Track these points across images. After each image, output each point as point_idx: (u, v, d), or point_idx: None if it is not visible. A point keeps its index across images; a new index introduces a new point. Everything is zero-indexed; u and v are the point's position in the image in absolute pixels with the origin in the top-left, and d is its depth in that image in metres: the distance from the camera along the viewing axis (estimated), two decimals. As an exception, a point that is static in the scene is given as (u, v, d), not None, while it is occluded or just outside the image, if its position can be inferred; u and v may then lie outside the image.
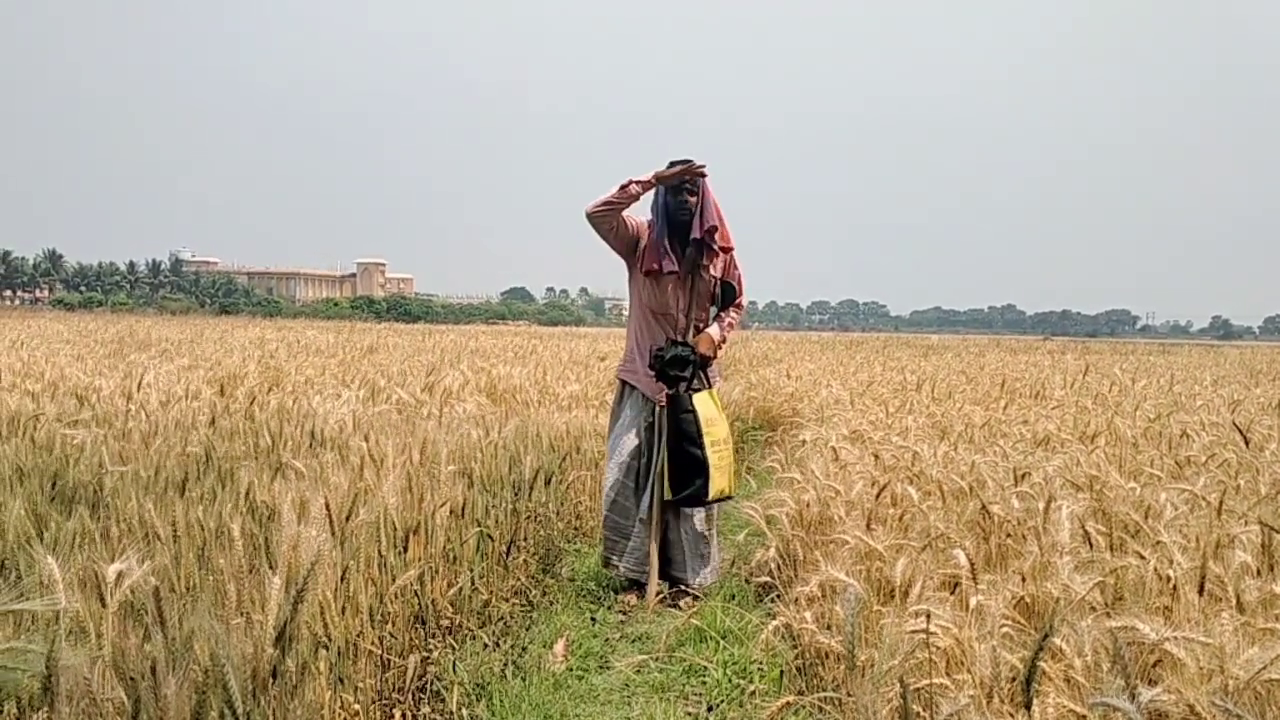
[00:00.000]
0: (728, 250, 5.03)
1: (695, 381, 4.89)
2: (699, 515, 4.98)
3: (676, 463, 4.76)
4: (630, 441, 4.97)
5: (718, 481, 4.79)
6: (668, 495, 4.80)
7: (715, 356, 5.07)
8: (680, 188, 4.85)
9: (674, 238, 4.92)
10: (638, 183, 4.75)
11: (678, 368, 4.81)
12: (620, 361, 5.21)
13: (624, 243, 4.93)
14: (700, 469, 4.74)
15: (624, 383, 5.14)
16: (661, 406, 4.88)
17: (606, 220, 4.80)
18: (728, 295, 5.14)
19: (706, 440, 4.75)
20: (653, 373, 4.87)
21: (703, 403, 4.82)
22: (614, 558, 5.00)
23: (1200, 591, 2.73)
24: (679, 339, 4.94)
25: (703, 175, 4.82)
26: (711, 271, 5.01)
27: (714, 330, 5.07)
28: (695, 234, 4.88)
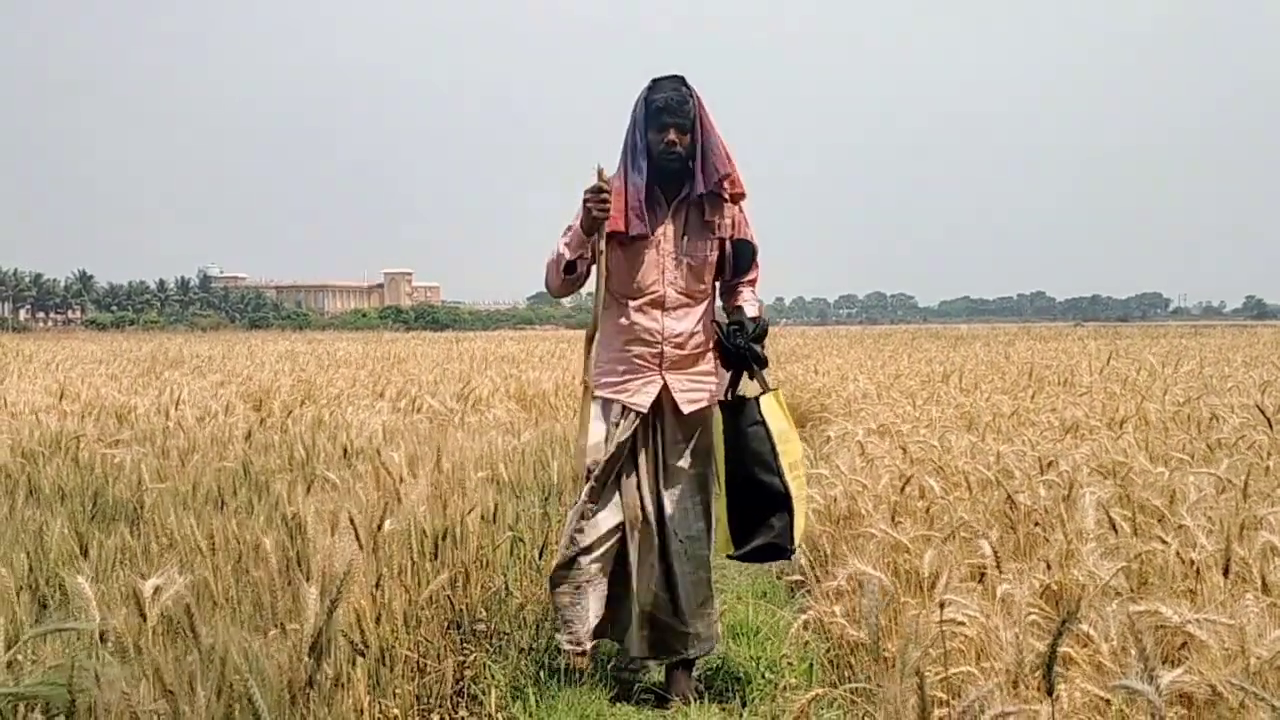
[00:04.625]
0: (741, 197, 3.65)
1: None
2: (700, 550, 3.65)
3: (744, 500, 3.36)
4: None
5: (800, 520, 3.38)
6: (727, 550, 3.44)
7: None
8: (662, 121, 3.47)
9: (656, 187, 3.58)
10: (567, 243, 3.56)
11: (760, 344, 3.48)
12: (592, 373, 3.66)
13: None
14: (779, 505, 3.32)
15: (594, 398, 3.64)
16: (640, 413, 3.56)
17: (578, 279, 3.67)
18: (741, 259, 3.68)
19: (784, 463, 3.34)
20: (727, 359, 3.51)
21: (772, 410, 3.43)
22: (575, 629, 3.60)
23: (1225, 574, 2.74)
24: (716, 322, 3.63)
25: (605, 196, 3.40)
26: (716, 230, 3.61)
27: (751, 307, 3.70)
28: (700, 188, 3.51)
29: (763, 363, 3.46)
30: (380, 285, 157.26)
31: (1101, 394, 7.79)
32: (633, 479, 3.59)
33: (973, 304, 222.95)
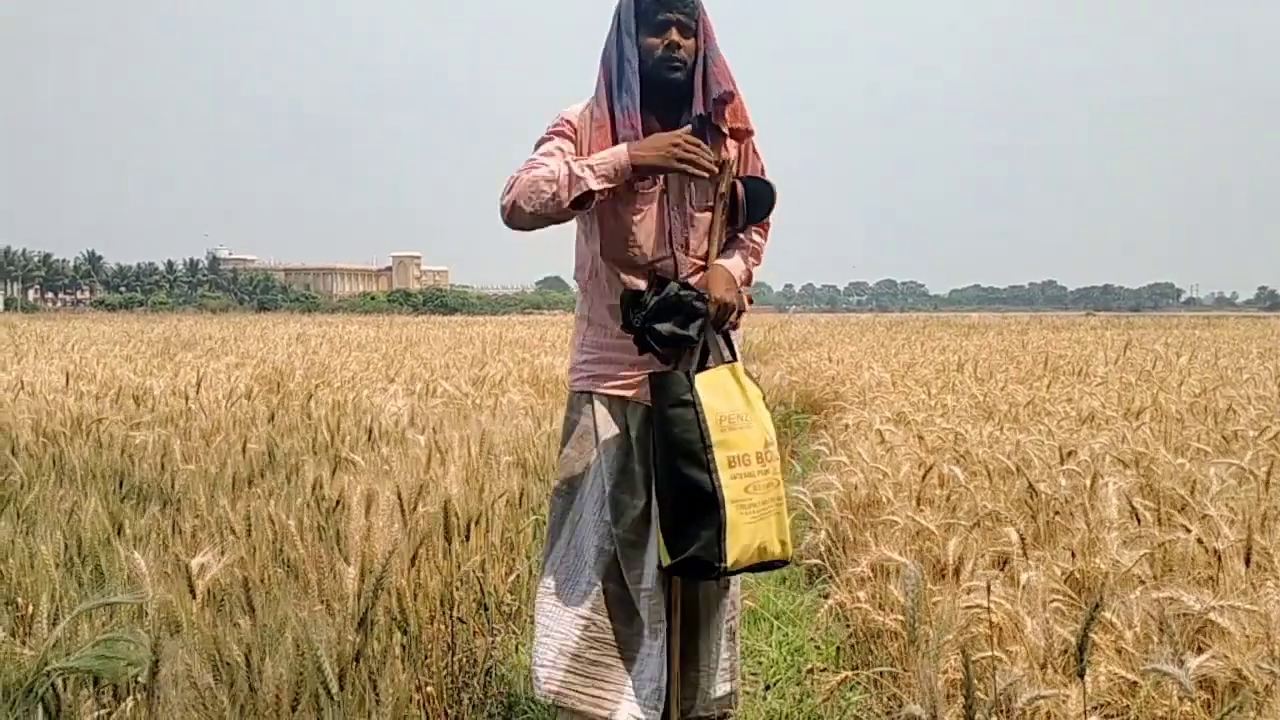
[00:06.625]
0: (749, 134, 2.78)
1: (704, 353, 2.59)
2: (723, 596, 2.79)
3: (669, 499, 2.52)
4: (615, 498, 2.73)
5: (744, 532, 2.44)
6: (663, 559, 2.55)
7: (738, 309, 2.69)
8: (662, 18, 2.60)
9: (653, 111, 2.67)
10: (594, 175, 2.52)
11: (677, 320, 2.49)
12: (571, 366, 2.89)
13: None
14: (706, 508, 2.43)
15: (582, 397, 2.79)
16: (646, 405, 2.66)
17: (571, 217, 2.65)
18: (758, 204, 2.76)
19: (718, 454, 2.44)
20: (630, 338, 2.57)
21: (713, 387, 2.51)
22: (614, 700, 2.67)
23: (1247, 563, 2.79)
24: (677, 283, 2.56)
25: (711, 171, 2.57)
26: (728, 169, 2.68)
27: (732, 263, 2.72)
28: (699, 107, 2.65)
29: (673, 342, 2.50)
30: (389, 268, 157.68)
31: (1117, 384, 7.83)
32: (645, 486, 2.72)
33: (984, 292, 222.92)
